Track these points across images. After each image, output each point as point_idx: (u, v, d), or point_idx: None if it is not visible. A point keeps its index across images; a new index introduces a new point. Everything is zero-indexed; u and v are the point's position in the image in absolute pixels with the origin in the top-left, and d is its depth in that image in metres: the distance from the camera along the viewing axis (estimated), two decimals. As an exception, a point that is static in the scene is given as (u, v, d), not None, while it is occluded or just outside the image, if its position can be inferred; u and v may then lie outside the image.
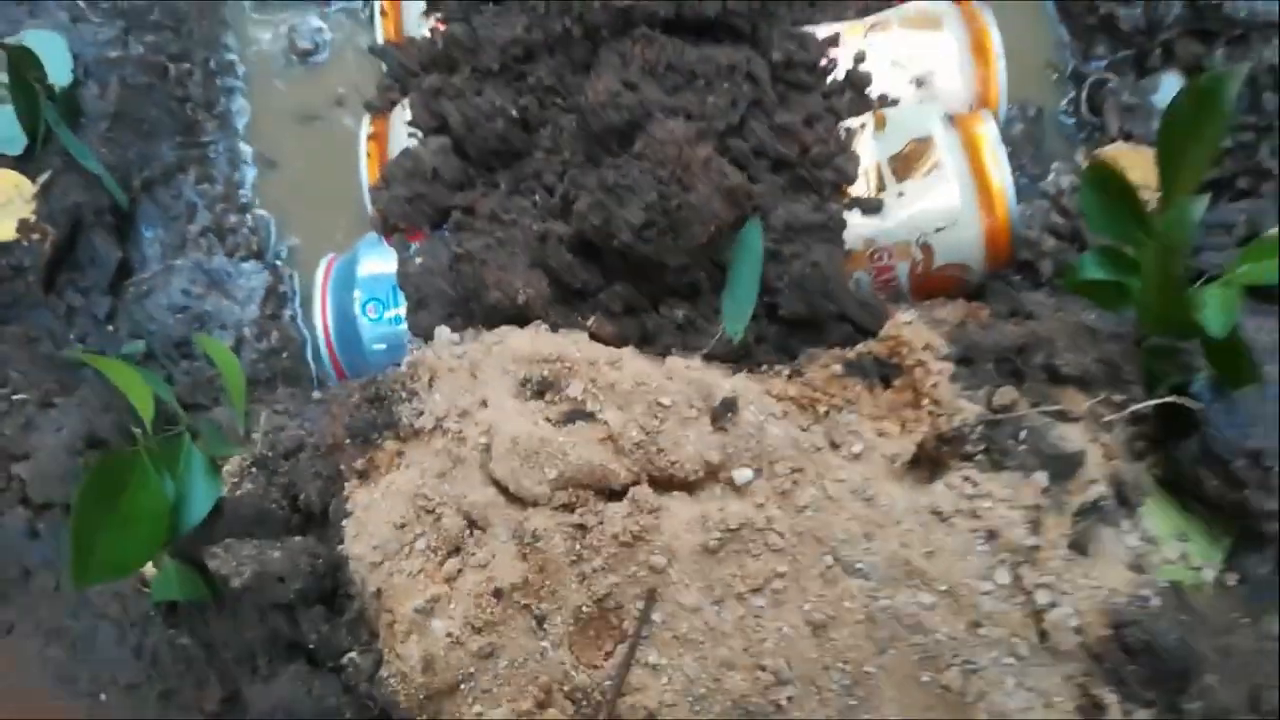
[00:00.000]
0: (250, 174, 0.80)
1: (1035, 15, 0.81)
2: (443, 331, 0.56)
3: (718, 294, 0.59)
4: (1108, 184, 0.51)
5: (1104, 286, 0.54)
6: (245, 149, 0.81)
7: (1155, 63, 0.74)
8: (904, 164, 0.62)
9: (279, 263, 0.77)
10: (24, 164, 0.70)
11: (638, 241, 0.56)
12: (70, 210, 0.69)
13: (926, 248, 0.61)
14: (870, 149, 0.64)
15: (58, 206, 0.69)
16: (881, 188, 0.63)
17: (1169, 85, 0.73)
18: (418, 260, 0.63)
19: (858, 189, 0.62)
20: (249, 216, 0.78)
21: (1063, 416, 0.52)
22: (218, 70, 0.83)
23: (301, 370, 0.73)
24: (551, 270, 0.58)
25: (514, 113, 0.65)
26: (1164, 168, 0.46)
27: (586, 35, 0.64)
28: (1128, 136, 0.73)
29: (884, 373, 0.52)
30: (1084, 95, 0.76)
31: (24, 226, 0.67)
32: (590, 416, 0.50)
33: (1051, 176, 0.74)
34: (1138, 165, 0.73)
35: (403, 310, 0.64)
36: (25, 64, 0.67)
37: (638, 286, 0.59)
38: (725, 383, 0.51)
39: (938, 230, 0.61)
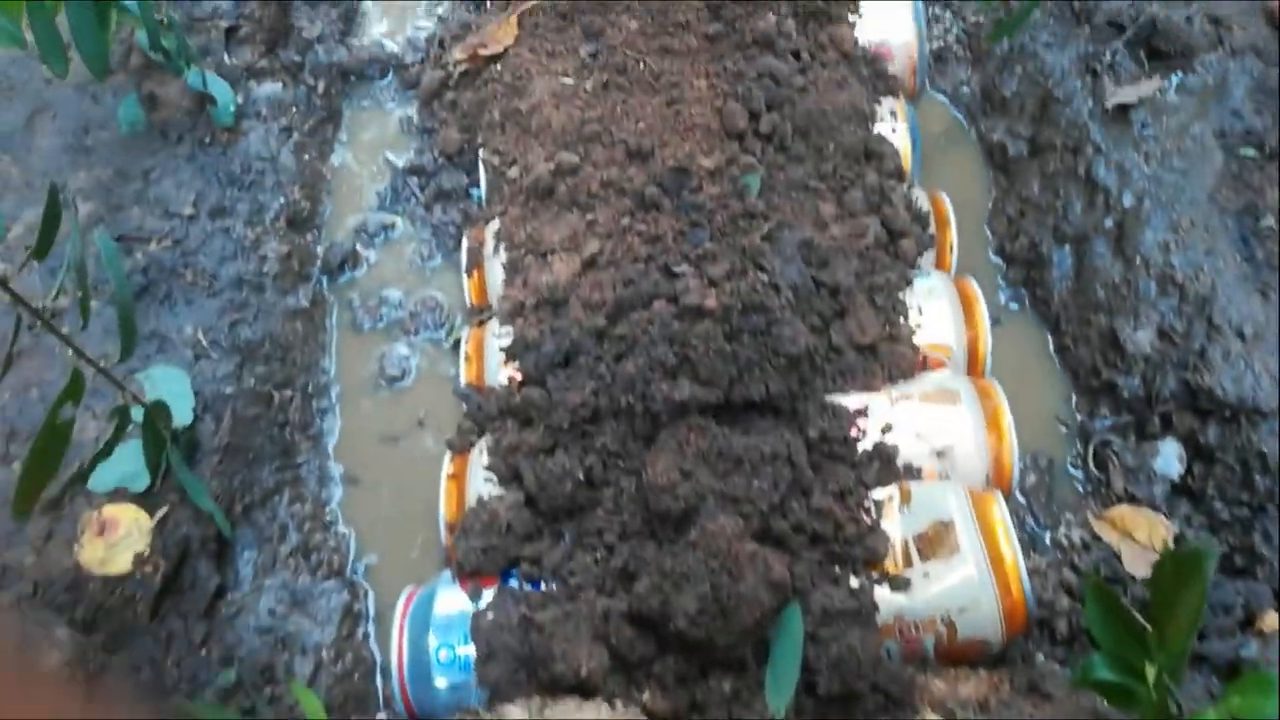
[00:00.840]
0: (337, 493, 0.89)
1: (1047, 372, 0.91)
2: (512, 711, 0.62)
3: (761, 666, 0.66)
4: (1109, 604, 0.58)
5: (1113, 687, 0.60)
6: (333, 468, 0.90)
7: (1155, 429, 0.82)
8: (928, 545, 0.69)
9: (357, 580, 0.85)
10: (144, 498, 0.79)
11: (691, 627, 0.63)
12: (180, 542, 0.78)
13: (950, 624, 0.68)
14: (897, 525, 0.71)
15: (170, 539, 0.77)
16: (909, 563, 0.70)
17: (1168, 452, 0.81)
18: (489, 615, 0.70)
19: (888, 564, 0.70)
20: (332, 534, 0.86)
21: (1081, 821, 0.57)
22: (314, 393, 0.93)
23: (369, 690, 0.79)
24: (611, 645, 0.65)
25: (581, 475, 0.74)
26: (1155, 619, 0.53)
27: (647, 413, 0.74)
28: (1132, 498, 0.80)
29: (914, 777, 0.57)
30: (1090, 453, 0.84)
31: (138, 560, 0.75)
32: (647, 812, 0.55)
33: (1063, 529, 0.81)
34: (1141, 526, 0.79)
35: (472, 652, 0.70)
36: (158, 416, 0.77)
37: (689, 658, 0.66)
38: (769, 785, 0.56)
39: (960, 610, 0.67)
